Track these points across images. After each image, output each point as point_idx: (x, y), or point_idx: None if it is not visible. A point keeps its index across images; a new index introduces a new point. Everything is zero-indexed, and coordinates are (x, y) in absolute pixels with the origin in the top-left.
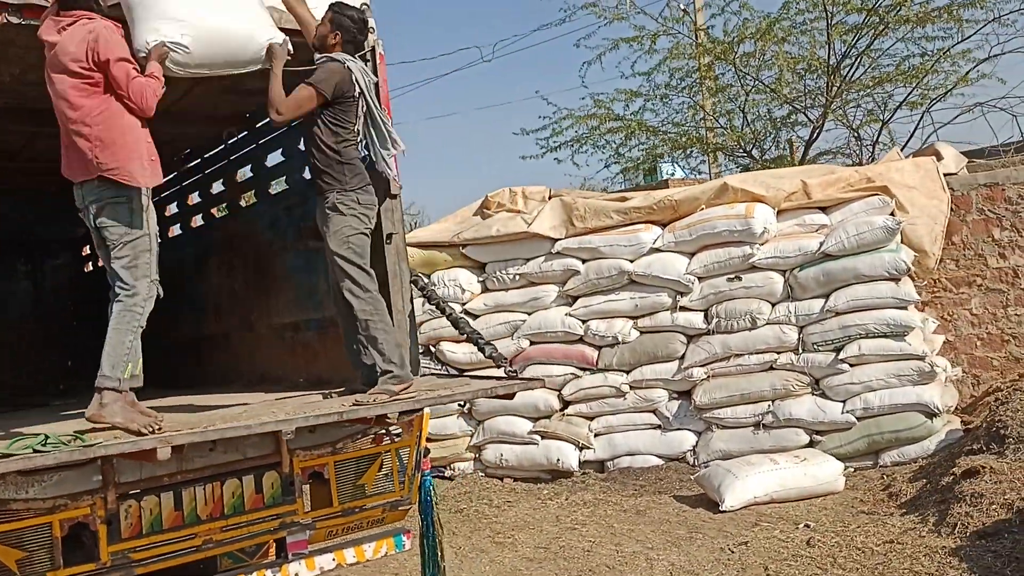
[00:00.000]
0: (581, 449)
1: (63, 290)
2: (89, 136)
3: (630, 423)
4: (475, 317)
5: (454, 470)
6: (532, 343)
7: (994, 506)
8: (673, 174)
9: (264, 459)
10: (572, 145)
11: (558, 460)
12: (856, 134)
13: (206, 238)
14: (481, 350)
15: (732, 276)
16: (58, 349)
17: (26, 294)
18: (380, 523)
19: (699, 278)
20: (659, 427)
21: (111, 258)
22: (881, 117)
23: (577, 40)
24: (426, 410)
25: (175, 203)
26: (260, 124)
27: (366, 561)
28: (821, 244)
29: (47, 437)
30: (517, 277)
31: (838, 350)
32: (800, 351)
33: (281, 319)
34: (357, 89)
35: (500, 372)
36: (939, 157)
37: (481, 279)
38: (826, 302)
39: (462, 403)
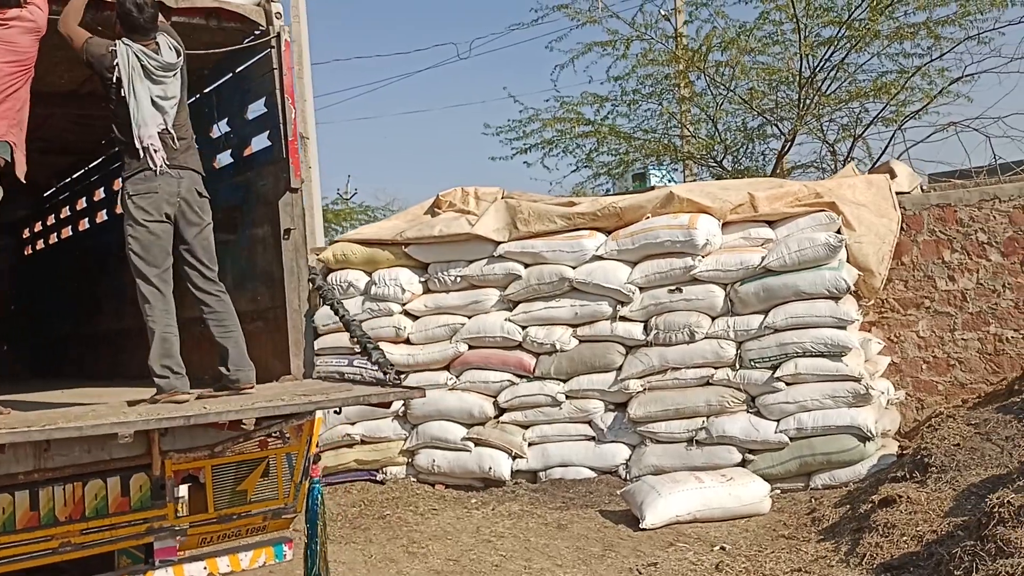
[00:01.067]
0: (514, 458)
1: (2, 275)
2: None
3: (564, 433)
4: (415, 318)
5: (386, 474)
6: (471, 347)
7: (904, 537)
8: (662, 179)
9: (133, 460)
10: (542, 148)
11: (490, 468)
12: (831, 148)
13: (113, 233)
14: (368, 355)
15: (673, 288)
16: None
17: None
18: (262, 531)
19: (640, 288)
20: (593, 439)
21: None
22: (854, 132)
23: (549, 43)
24: (318, 415)
25: (84, 198)
26: None
27: (242, 571)
28: (763, 259)
29: None
30: (459, 279)
31: (775, 368)
32: (737, 367)
33: (189, 313)
34: (116, 74)
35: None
36: (893, 175)
37: (423, 279)
38: (765, 318)
39: (337, 410)
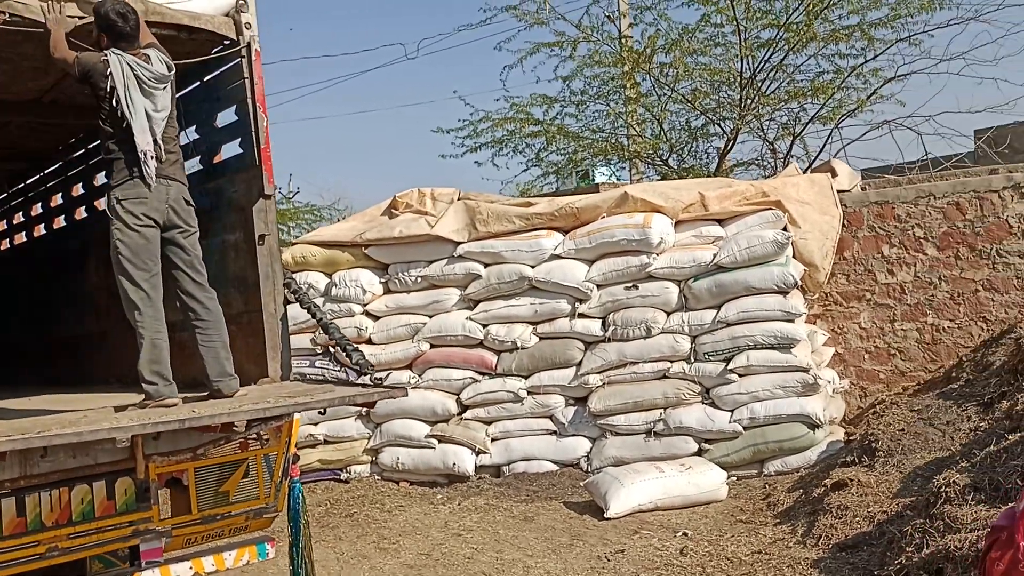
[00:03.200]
0: (478, 454)
1: None
2: None
3: (527, 428)
4: (376, 319)
5: (350, 473)
6: (432, 346)
7: (857, 519)
8: (609, 177)
9: (117, 465)
10: (492, 147)
11: (454, 464)
12: (771, 146)
13: (88, 232)
14: (349, 356)
15: (629, 285)
16: None
17: None
18: (244, 531)
19: (598, 286)
20: (555, 433)
21: None
22: (794, 131)
23: (498, 43)
24: (296, 415)
25: (59, 194)
26: None
27: (226, 570)
28: (715, 256)
29: None
30: (419, 279)
31: (728, 360)
32: (692, 360)
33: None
34: (110, 83)
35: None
36: (834, 174)
37: (383, 280)
38: (718, 313)
39: (322, 411)
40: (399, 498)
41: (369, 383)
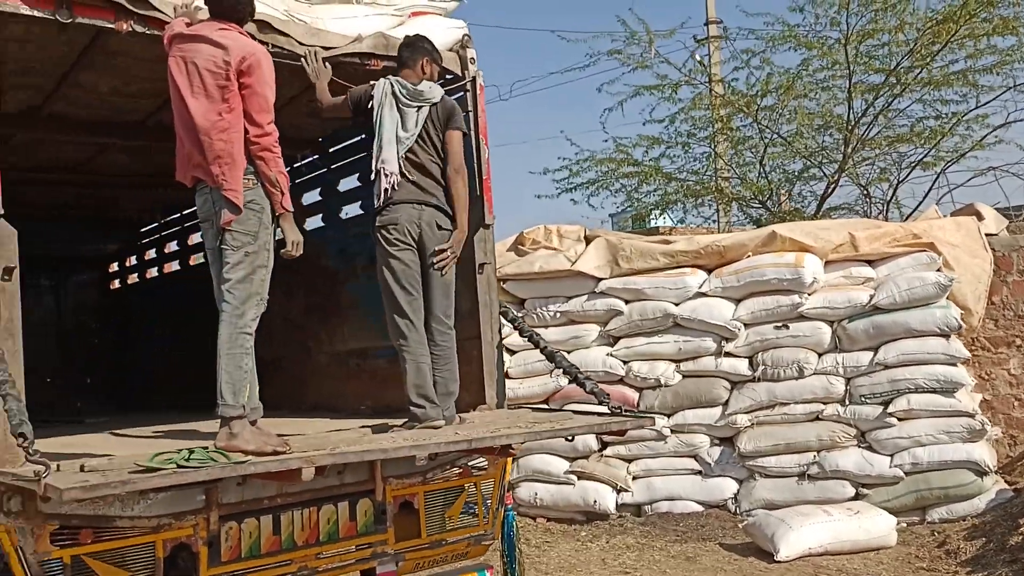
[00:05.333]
0: (619, 492)
1: (85, 308)
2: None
3: (670, 467)
4: (512, 353)
5: None
6: (571, 382)
7: None
8: (663, 221)
9: (359, 486)
10: (587, 187)
11: (595, 502)
12: (866, 191)
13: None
14: (581, 385)
15: (779, 324)
16: (77, 366)
17: (48, 311)
18: (463, 558)
19: (745, 324)
20: (699, 473)
21: (224, 272)
22: (897, 177)
23: (600, 85)
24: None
25: (189, 235)
26: (333, 149)
27: None
28: (871, 297)
29: (191, 452)
30: (558, 315)
31: (886, 403)
32: (847, 403)
33: (346, 346)
34: (373, 103)
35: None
36: (980, 217)
37: (521, 315)
38: (875, 355)
39: (570, 438)
40: (541, 533)
41: (609, 411)
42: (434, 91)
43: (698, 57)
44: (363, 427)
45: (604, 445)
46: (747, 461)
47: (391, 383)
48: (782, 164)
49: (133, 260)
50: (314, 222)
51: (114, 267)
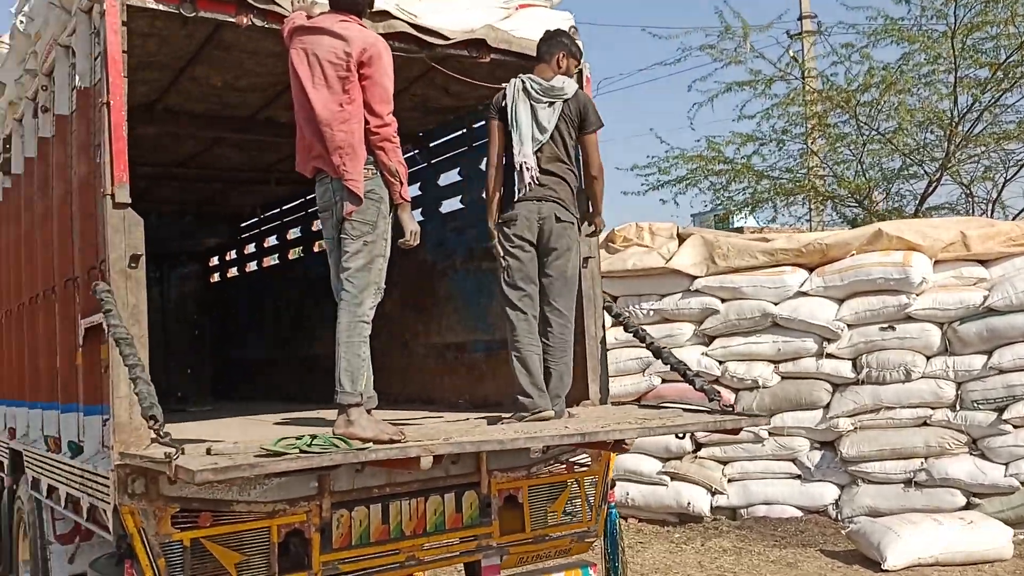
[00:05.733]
0: (713, 494)
1: (187, 300)
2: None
3: (767, 471)
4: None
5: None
6: (664, 381)
7: None
8: (745, 221)
9: (465, 478)
10: (675, 184)
11: (689, 504)
12: (969, 191)
13: (314, 266)
14: (691, 382)
15: (885, 326)
16: (179, 357)
17: (152, 302)
18: (566, 554)
19: (848, 325)
20: (799, 477)
21: (343, 261)
22: (1004, 176)
23: (691, 82)
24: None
25: (291, 229)
26: (433, 144)
27: None
28: (985, 298)
29: (313, 438)
30: (651, 312)
31: (1000, 410)
32: (957, 408)
33: (443, 339)
34: (507, 101)
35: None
36: None
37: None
38: (989, 359)
39: (680, 436)
40: (633, 534)
41: (719, 409)
42: (568, 86)
43: (791, 52)
44: (468, 419)
45: (698, 446)
46: (849, 466)
47: (489, 377)
48: (879, 162)
49: (233, 254)
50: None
51: (215, 261)
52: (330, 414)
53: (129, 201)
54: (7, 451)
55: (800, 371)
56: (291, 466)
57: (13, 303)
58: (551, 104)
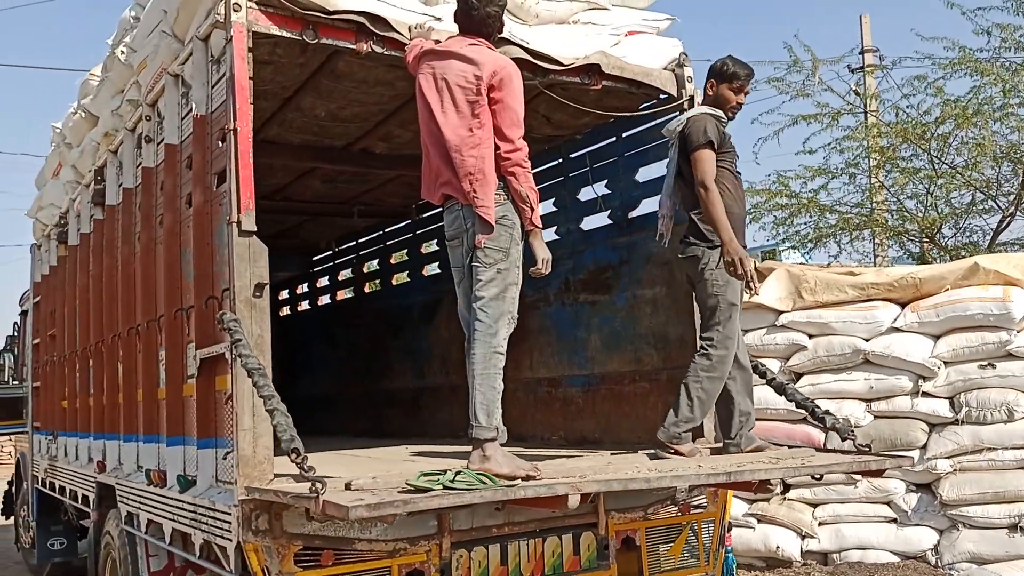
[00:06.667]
0: (803, 537)
1: None
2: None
3: (860, 514)
4: None
5: None
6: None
7: None
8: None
9: (582, 518)
10: None
11: (777, 547)
12: None
13: (440, 286)
14: (820, 420)
15: (985, 363)
16: None
17: None
18: None
19: (945, 363)
20: (894, 520)
21: (476, 290)
22: None
23: (756, 116)
24: None
25: (404, 250)
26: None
27: None
28: None
29: (456, 473)
30: None
31: None
32: None
33: (535, 373)
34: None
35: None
36: None
37: None
38: None
39: (818, 477)
40: None
41: (856, 449)
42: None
43: (854, 86)
44: (579, 455)
45: (786, 487)
46: (949, 510)
47: (587, 414)
48: (947, 196)
49: (304, 288)
50: None
51: (284, 294)
52: (400, 450)
53: (255, 229)
54: (94, 485)
55: (894, 410)
56: (442, 503)
57: (104, 335)
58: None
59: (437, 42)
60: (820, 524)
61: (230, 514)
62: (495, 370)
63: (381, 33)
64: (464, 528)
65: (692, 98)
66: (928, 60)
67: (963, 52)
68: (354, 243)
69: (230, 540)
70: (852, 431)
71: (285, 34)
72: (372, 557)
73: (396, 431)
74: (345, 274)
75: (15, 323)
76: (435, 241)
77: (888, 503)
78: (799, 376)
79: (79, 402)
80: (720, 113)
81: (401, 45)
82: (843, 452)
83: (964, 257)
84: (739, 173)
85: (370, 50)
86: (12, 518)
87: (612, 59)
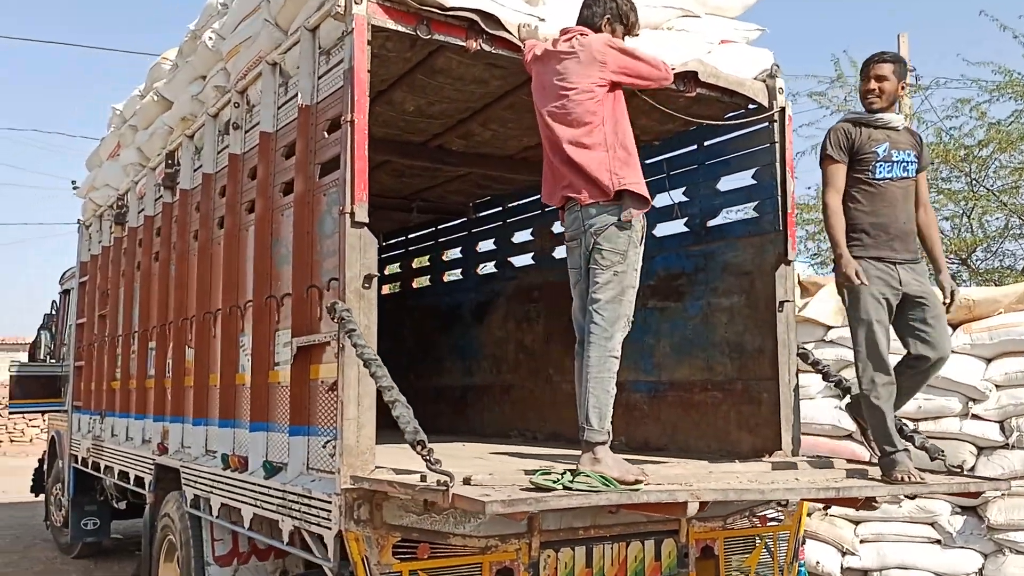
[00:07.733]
0: (844, 554)
1: None
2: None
3: (903, 533)
4: None
5: None
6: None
7: None
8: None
9: (663, 524)
10: None
11: (817, 563)
12: None
13: (495, 285)
14: (909, 439)
15: None
16: None
17: None
18: None
19: (996, 386)
20: (938, 542)
21: (593, 292)
22: None
23: (797, 126)
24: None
25: (459, 248)
26: None
27: None
28: None
29: (574, 474)
30: None
31: None
32: None
33: (669, 376)
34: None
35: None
36: None
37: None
38: None
39: (911, 497)
40: None
41: (947, 470)
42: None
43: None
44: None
45: (828, 504)
46: (996, 534)
47: (651, 420)
48: (980, 219)
49: None
50: (559, 251)
51: None
52: (456, 447)
53: (367, 220)
54: (152, 466)
55: (942, 431)
56: (571, 503)
57: (172, 317)
58: None
59: (555, 43)
60: (862, 541)
61: (330, 502)
62: (609, 374)
63: (491, 32)
64: (552, 528)
65: (783, 110)
66: (974, 84)
67: (1010, 76)
68: (404, 238)
69: (329, 529)
70: (942, 452)
71: (400, 28)
72: (466, 552)
73: (444, 428)
74: (392, 268)
75: (53, 301)
76: (492, 240)
77: (932, 524)
78: (846, 391)
79: (135, 383)
80: (860, 114)
81: (507, 44)
82: (945, 473)
83: (996, 282)
84: (887, 179)
85: (479, 48)
86: (42, 495)
87: (708, 67)
